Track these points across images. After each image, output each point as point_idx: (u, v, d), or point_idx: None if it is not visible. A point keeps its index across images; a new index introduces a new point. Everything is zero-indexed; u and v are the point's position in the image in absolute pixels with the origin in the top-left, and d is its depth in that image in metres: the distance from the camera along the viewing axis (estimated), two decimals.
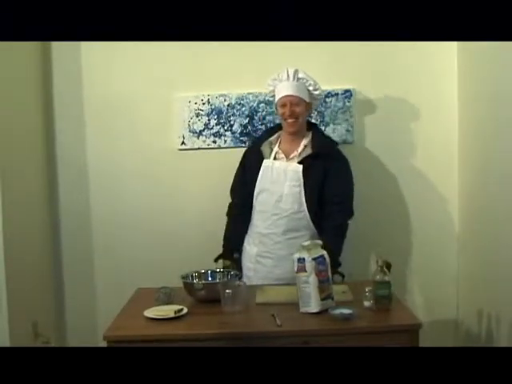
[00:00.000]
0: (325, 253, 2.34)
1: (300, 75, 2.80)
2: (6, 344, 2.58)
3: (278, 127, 2.97)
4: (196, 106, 3.22)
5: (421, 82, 3.22)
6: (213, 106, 3.23)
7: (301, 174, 2.78)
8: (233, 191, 3.00)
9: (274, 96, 2.88)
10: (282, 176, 2.81)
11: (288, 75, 2.79)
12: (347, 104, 3.22)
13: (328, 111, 3.22)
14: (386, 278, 2.31)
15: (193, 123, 3.23)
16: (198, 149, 3.23)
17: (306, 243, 2.35)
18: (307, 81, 2.81)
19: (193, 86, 3.21)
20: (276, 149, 2.87)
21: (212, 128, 3.23)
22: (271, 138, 2.91)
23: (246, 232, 2.94)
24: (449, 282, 3.28)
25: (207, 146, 3.23)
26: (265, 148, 2.89)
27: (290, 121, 2.79)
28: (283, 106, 2.79)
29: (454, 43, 3.15)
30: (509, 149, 2.57)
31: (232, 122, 3.23)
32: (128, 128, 3.24)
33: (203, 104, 3.22)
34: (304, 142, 2.85)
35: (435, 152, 3.24)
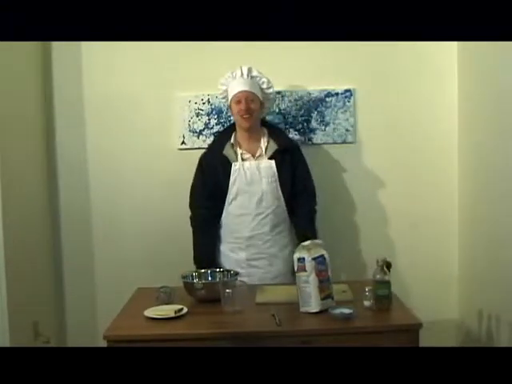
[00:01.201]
0: (325, 252, 2.35)
1: (254, 73, 2.83)
2: (6, 344, 2.59)
3: (229, 130, 2.96)
4: (196, 106, 3.22)
5: (421, 82, 3.22)
6: (213, 106, 3.22)
7: (275, 169, 2.82)
8: (196, 203, 2.91)
9: (225, 97, 2.90)
10: (256, 175, 2.82)
11: (242, 72, 2.82)
12: (347, 104, 3.22)
13: (328, 111, 3.22)
14: (386, 278, 2.31)
15: (193, 123, 3.23)
16: (198, 148, 3.22)
17: (306, 243, 2.35)
18: (260, 79, 2.84)
19: (193, 85, 3.20)
20: (239, 150, 2.86)
21: (212, 128, 3.23)
22: (231, 141, 2.88)
23: (221, 241, 2.91)
24: (449, 282, 3.28)
25: (207, 146, 3.23)
26: (228, 152, 2.86)
27: (245, 116, 2.79)
28: (238, 102, 2.80)
29: (454, 43, 3.15)
30: (509, 149, 2.57)
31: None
32: (128, 128, 3.24)
33: (203, 104, 3.22)
34: (264, 138, 2.87)
35: (435, 152, 3.24)
